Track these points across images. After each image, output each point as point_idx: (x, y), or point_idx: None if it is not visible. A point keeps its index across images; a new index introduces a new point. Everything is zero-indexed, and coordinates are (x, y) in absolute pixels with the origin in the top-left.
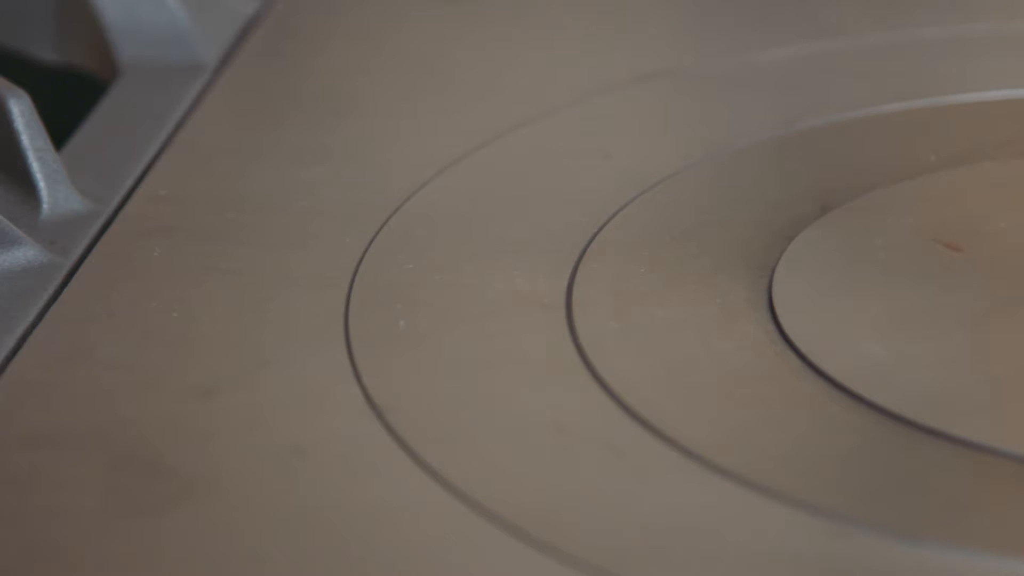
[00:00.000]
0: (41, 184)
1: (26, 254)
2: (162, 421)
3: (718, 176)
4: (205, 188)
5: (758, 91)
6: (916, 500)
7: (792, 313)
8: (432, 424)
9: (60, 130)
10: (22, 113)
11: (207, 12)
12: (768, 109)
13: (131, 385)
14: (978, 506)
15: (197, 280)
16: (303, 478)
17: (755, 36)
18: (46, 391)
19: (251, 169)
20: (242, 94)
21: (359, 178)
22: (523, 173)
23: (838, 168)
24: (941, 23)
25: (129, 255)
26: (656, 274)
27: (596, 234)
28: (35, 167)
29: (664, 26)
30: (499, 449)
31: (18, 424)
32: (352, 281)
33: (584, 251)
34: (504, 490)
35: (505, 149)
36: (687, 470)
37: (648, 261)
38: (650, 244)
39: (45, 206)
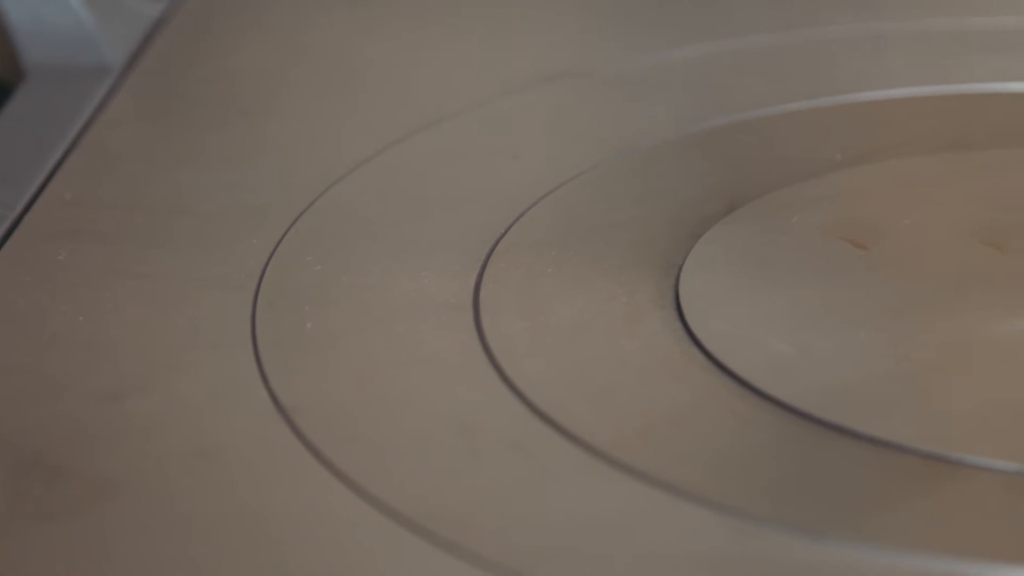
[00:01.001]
0: None
1: None
2: (68, 425)
3: (626, 175)
4: (112, 191)
5: (666, 90)
6: (821, 497)
7: (698, 311)
8: (339, 425)
9: None
10: None
11: (113, 14)
12: (675, 108)
13: (37, 389)
14: (883, 502)
15: (104, 284)
16: (210, 480)
17: (662, 36)
18: None
19: (158, 171)
20: (149, 96)
21: (267, 180)
22: (431, 173)
23: (745, 166)
24: (846, 22)
25: (35, 259)
26: (563, 273)
27: (504, 234)
28: None
29: (572, 26)
30: (406, 449)
31: None
32: (259, 283)
33: (492, 251)
34: (411, 490)
35: (413, 149)
36: (594, 469)
37: (555, 261)
38: (558, 243)
39: None
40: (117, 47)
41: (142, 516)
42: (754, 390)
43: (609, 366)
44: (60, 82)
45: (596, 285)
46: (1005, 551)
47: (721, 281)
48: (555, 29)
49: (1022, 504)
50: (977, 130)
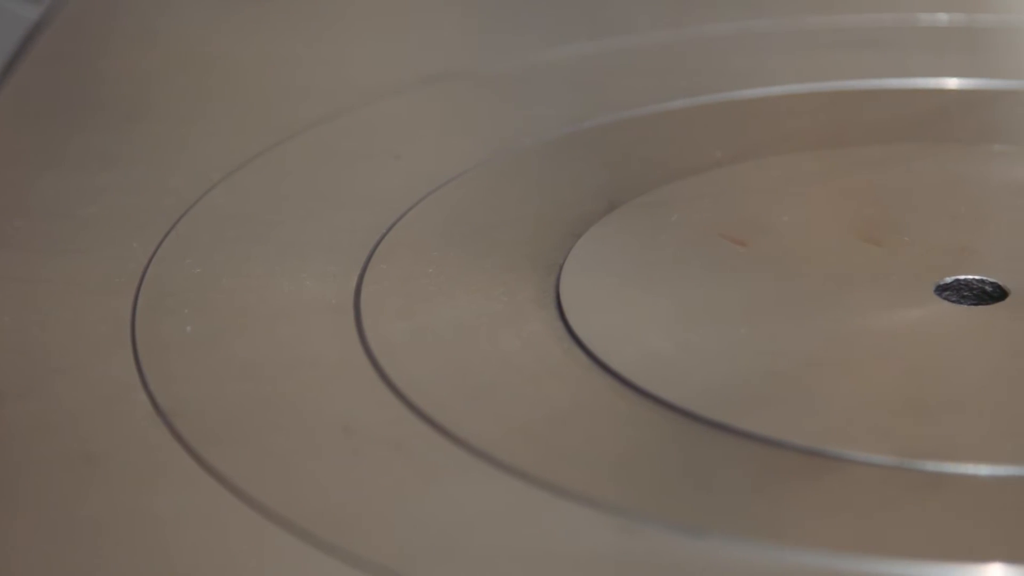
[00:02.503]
0: None
1: None
2: None
3: (507, 175)
4: None
5: (546, 90)
6: (702, 493)
7: (579, 310)
8: (220, 428)
9: None
10: None
11: None
12: (556, 108)
13: None
14: (763, 498)
15: None
16: (91, 485)
17: (543, 35)
18: None
19: (37, 175)
20: (27, 100)
21: (147, 182)
22: (312, 175)
23: (625, 165)
24: (726, 19)
25: None
26: (444, 274)
27: (385, 235)
28: None
29: (453, 27)
30: (287, 452)
31: None
32: (139, 286)
33: (373, 252)
34: (291, 492)
35: (294, 151)
36: (475, 469)
37: (436, 261)
38: (439, 244)
39: None
40: None
41: (24, 522)
42: (635, 388)
43: (490, 366)
44: None
45: (477, 285)
46: (883, 545)
47: (602, 280)
48: (436, 29)
49: (900, 498)
50: (854, 127)
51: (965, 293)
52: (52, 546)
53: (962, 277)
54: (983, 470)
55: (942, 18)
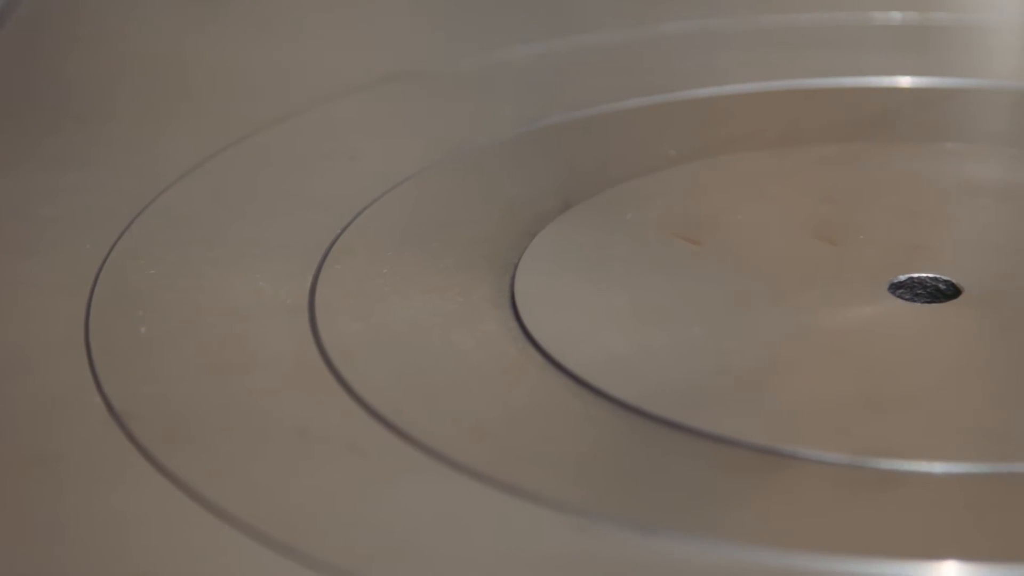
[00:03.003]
0: None
1: None
2: None
3: (462, 174)
4: None
5: (501, 89)
6: (656, 492)
7: (534, 310)
8: (174, 429)
9: None
10: None
11: None
12: (511, 107)
13: None
14: (717, 497)
15: None
16: (46, 487)
17: (498, 34)
18: None
19: None
20: None
21: (101, 183)
22: (267, 175)
23: (580, 164)
24: (681, 19)
25: None
26: (399, 274)
27: (340, 235)
28: None
29: (408, 26)
30: (242, 453)
31: None
32: (93, 288)
33: (328, 252)
34: (247, 493)
35: (249, 152)
36: (430, 469)
37: (391, 261)
38: (393, 244)
39: None
40: None
41: None
42: (589, 387)
43: (445, 366)
44: None
45: (432, 285)
46: (837, 543)
47: (557, 279)
48: (391, 29)
49: (853, 497)
50: (809, 125)
51: (919, 291)
52: (6, 549)
53: (916, 275)
54: (936, 468)
55: (895, 17)
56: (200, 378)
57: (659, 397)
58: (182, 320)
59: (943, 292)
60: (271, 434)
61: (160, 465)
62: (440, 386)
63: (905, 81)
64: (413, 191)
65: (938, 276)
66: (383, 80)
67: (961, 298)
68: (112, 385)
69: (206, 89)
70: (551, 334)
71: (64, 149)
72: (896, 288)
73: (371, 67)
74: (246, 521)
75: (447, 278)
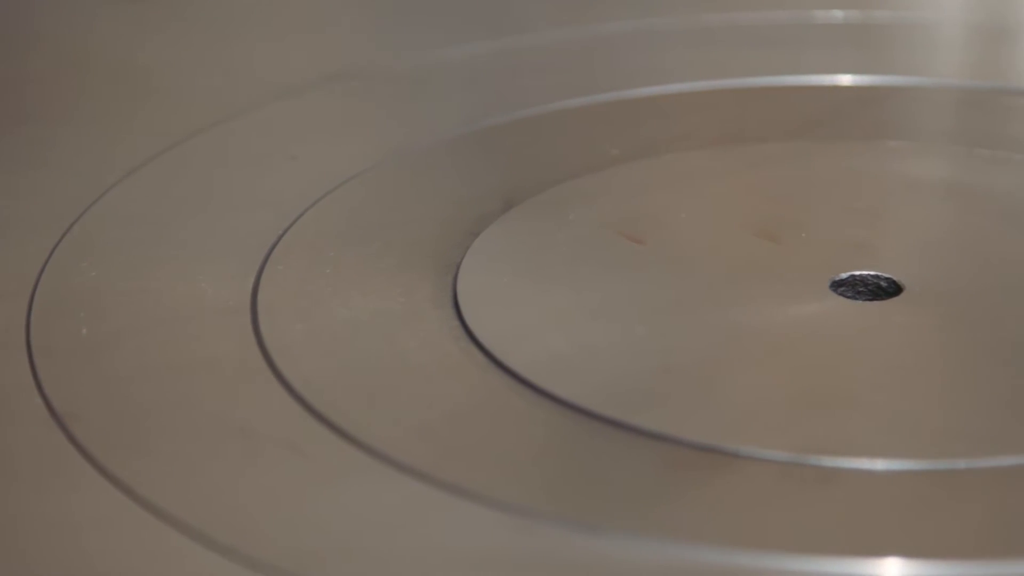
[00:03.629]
0: None
1: None
2: None
3: (403, 175)
4: None
5: (444, 89)
6: (599, 491)
7: (476, 309)
8: (115, 431)
9: None
10: None
11: None
12: (453, 107)
13: None
14: (660, 495)
15: None
16: None
17: (439, 34)
18: None
19: None
20: None
21: (41, 186)
22: (208, 176)
23: (522, 164)
24: (623, 18)
25: None
26: (341, 274)
27: (282, 236)
28: None
29: (350, 26)
30: (183, 454)
31: None
32: (34, 290)
33: (270, 253)
34: (189, 495)
35: (190, 153)
36: (373, 470)
37: (333, 261)
38: (336, 244)
39: None
40: None
41: None
42: (531, 387)
43: (387, 366)
44: None
45: (374, 285)
46: (779, 540)
47: (499, 279)
48: (332, 29)
49: (795, 494)
50: (751, 124)
51: (860, 289)
52: None
53: (857, 273)
54: (878, 465)
55: (837, 15)
56: (142, 379)
57: (602, 396)
58: (124, 321)
59: (884, 290)
60: (213, 435)
61: (102, 467)
62: (382, 386)
63: (847, 79)
64: (355, 191)
65: (879, 274)
66: (324, 81)
67: (902, 296)
68: (53, 387)
69: (149, 90)
70: (494, 334)
71: (4, 151)
72: (838, 286)
73: (312, 68)
74: (189, 523)
75: (389, 278)
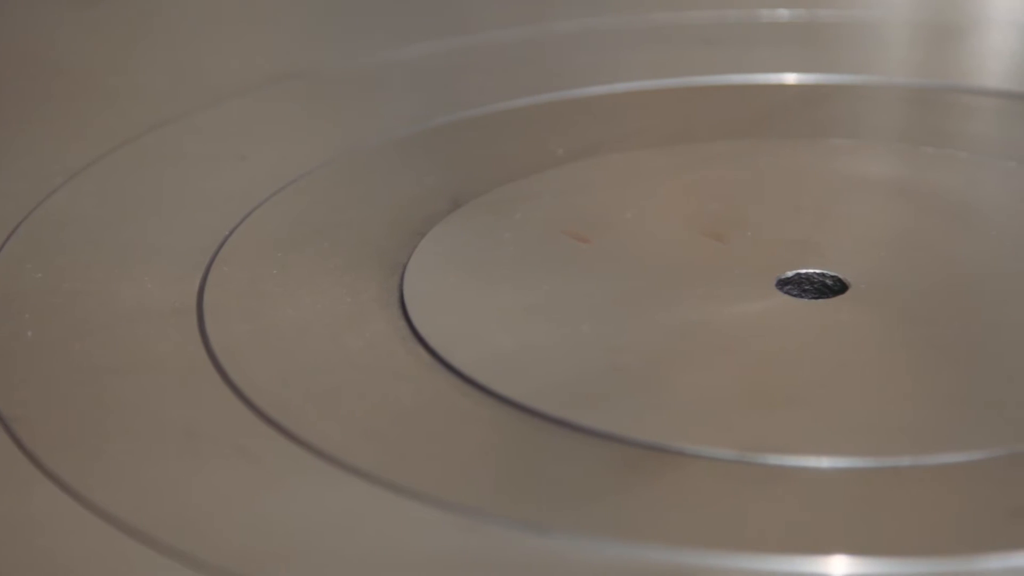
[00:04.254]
0: None
1: None
2: None
3: (350, 175)
4: None
5: (390, 89)
6: (545, 491)
7: (423, 309)
8: (61, 434)
9: None
10: None
11: None
12: (400, 107)
13: None
14: (605, 494)
15: None
16: None
17: (387, 34)
18: None
19: None
20: None
21: None
22: (155, 177)
23: (468, 164)
24: (569, 17)
25: None
26: (288, 275)
27: (228, 236)
28: None
29: (298, 27)
30: (129, 456)
31: None
32: None
33: (216, 254)
34: (134, 497)
35: (136, 153)
36: (319, 470)
37: (280, 262)
38: (283, 245)
39: None
40: None
41: None
42: (478, 386)
43: (334, 367)
44: None
45: (321, 286)
46: (726, 539)
47: (445, 279)
48: (279, 29)
49: (742, 492)
50: (696, 123)
51: (806, 287)
52: None
53: (803, 271)
54: (824, 462)
55: (783, 14)
56: (87, 381)
57: (548, 395)
58: (69, 323)
59: (830, 288)
60: (159, 437)
61: (47, 470)
62: (329, 387)
63: (792, 78)
64: (302, 192)
65: (825, 272)
66: (272, 81)
67: (848, 294)
68: None
69: (93, 91)
70: (440, 334)
71: None
72: (783, 284)
73: (260, 68)
74: (135, 525)
75: (336, 279)
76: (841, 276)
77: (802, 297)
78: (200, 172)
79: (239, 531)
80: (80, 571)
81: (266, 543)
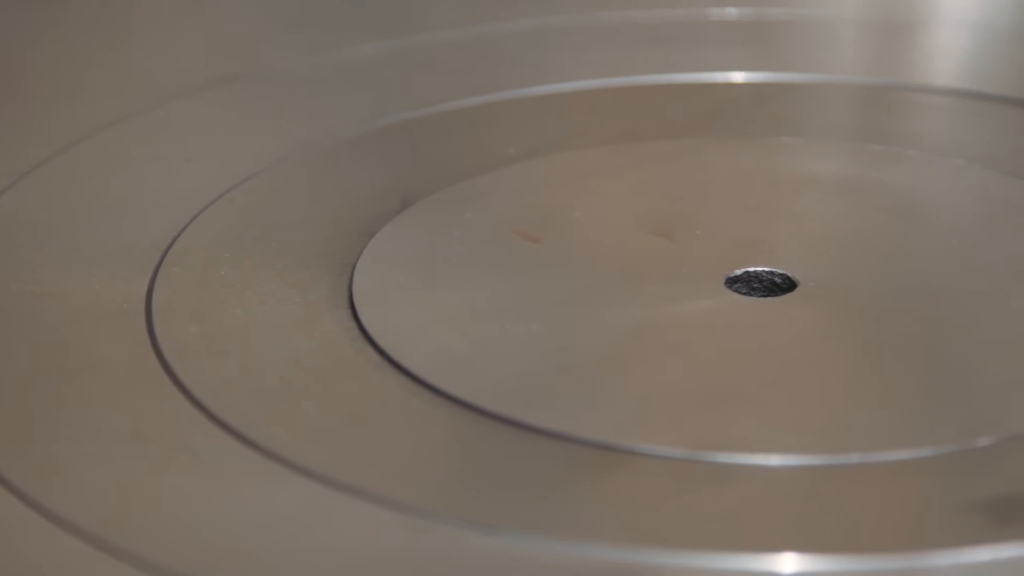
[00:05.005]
0: None
1: None
2: None
3: (300, 175)
4: None
5: (339, 89)
6: (495, 490)
7: (372, 309)
8: (8, 435)
9: None
10: None
11: None
12: (349, 107)
13: None
14: (555, 493)
15: None
16: None
17: (335, 35)
18: None
19: None
20: None
21: None
22: (103, 179)
23: (418, 164)
24: (519, 16)
25: None
26: (237, 275)
27: (177, 237)
28: None
29: (245, 27)
30: (77, 457)
31: None
32: None
33: (165, 254)
34: (83, 499)
35: (84, 154)
36: (268, 471)
37: (229, 262)
38: (231, 245)
39: None
40: None
41: None
42: (427, 386)
43: (283, 367)
44: None
45: (270, 286)
46: (675, 538)
47: (395, 279)
48: (227, 30)
49: (691, 491)
50: (646, 121)
51: (755, 285)
52: None
53: (752, 269)
54: (773, 460)
55: (731, 13)
56: (35, 382)
57: (497, 395)
58: (16, 325)
59: (779, 286)
60: (107, 438)
61: None
62: (278, 387)
63: (741, 76)
64: (251, 192)
65: (774, 270)
66: (220, 81)
67: (796, 292)
68: None
69: (41, 92)
70: (389, 334)
71: None
72: (732, 283)
73: (208, 69)
74: (83, 527)
75: (285, 279)
76: (790, 274)
77: (751, 295)
78: (148, 174)
79: (188, 532)
80: (28, 574)
81: (215, 544)
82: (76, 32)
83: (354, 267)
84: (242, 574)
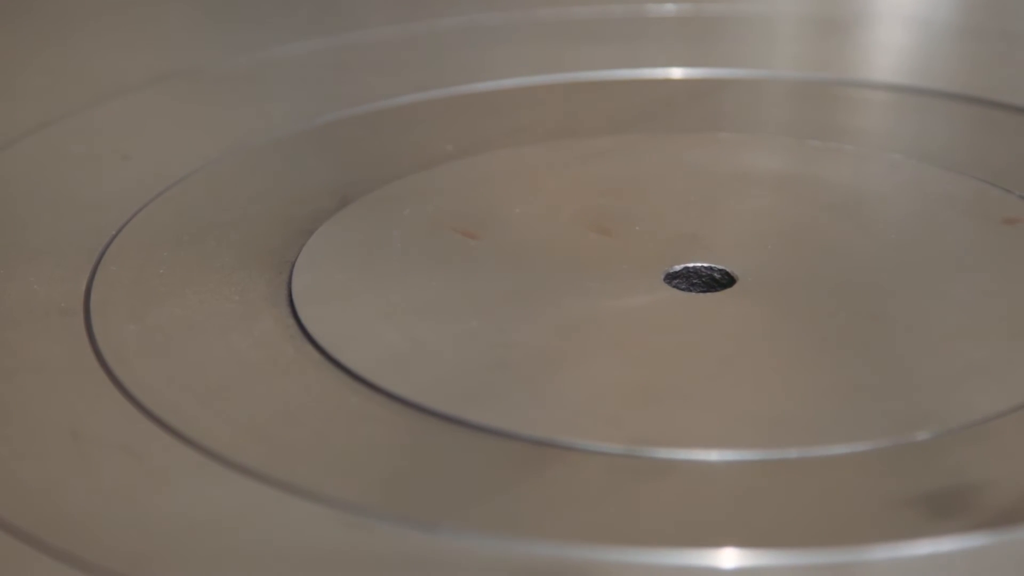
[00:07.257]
0: None
1: None
2: None
3: (237, 173)
4: None
5: (276, 87)
6: (434, 487)
7: (311, 307)
8: None
9: None
10: None
11: None
12: (286, 105)
13: None
14: (494, 490)
15: None
16: None
17: (272, 32)
18: None
19: None
20: None
21: None
22: (38, 178)
23: (356, 161)
24: (456, 14)
25: None
26: (175, 274)
27: (115, 236)
28: None
29: (180, 24)
30: (14, 457)
31: None
32: None
33: (103, 254)
34: (19, 498)
35: (19, 154)
36: (207, 469)
37: (167, 261)
38: (169, 244)
39: None
40: None
41: None
42: (366, 383)
43: (221, 365)
44: None
45: (208, 284)
46: (615, 533)
47: (334, 276)
48: (162, 27)
49: (631, 486)
50: (584, 118)
51: (694, 280)
52: None
53: (691, 265)
54: (712, 455)
55: (669, 8)
56: None
57: (436, 392)
58: None
59: (718, 281)
60: (44, 438)
61: None
62: (217, 385)
63: (678, 72)
64: (189, 191)
65: (713, 266)
66: (156, 80)
67: (735, 287)
68: None
69: None
70: (328, 331)
71: None
72: (672, 278)
73: (143, 67)
74: (19, 526)
75: (224, 277)
76: (729, 270)
77: (690, 291)
78: (84, 172)
79: (126, 531)
80: None
81: (153, 542)
82: (10, 31)
83: (293, 265)
84: (179, 572)
